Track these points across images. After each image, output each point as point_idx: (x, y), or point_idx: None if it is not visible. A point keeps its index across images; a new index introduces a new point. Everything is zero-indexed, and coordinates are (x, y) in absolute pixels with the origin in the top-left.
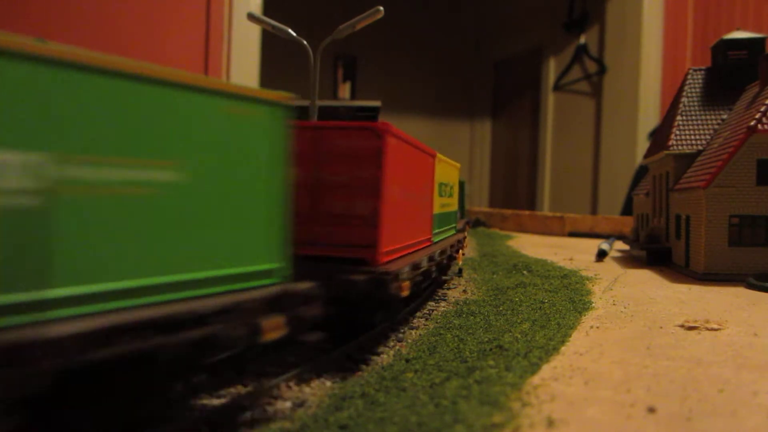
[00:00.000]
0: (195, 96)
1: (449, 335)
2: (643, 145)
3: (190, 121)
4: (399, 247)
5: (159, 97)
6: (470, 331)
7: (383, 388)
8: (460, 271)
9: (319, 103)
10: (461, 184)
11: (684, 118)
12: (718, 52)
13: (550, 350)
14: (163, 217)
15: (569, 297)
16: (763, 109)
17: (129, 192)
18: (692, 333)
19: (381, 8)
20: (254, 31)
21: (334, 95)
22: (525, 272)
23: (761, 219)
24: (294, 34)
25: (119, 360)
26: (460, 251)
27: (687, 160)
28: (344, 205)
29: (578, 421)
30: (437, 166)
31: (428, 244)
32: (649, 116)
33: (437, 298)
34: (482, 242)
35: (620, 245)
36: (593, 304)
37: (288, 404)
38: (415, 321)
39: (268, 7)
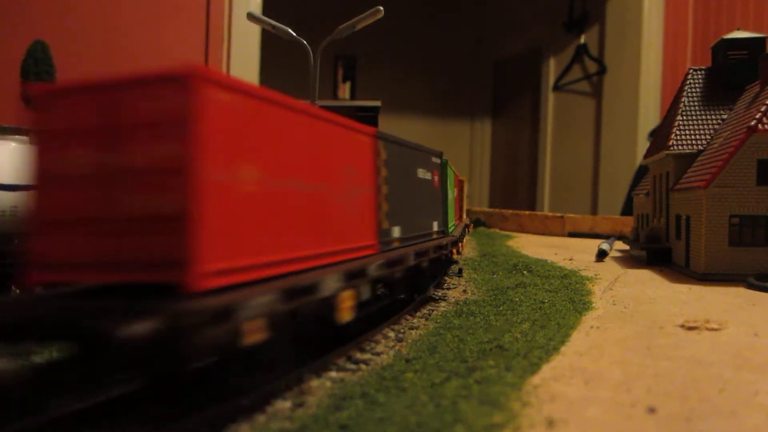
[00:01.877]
0: None
1: (449, 335)
2: (643, 145)
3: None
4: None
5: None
6: (470, 331)
7: (383, 388)
8: (460, 271)
9: (319, 103)
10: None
11: (684, 118)
12: (718, 52)
13: (550, 350)
14: None
15: (569, 297)
16: (763, 109)
17: None
18: (692, 333)
19: (381, 8)
20: (254, 31)
21: (334, 95)
22: (525, 272)
23: (761, 219)
24: (294, 34)
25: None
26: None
27: (687, 160)
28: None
29: (578, 421)
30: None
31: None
32: (649, 116)
33: (437, 297)
34: (482, 242)
35: (620, 245)
36: (593, 304)
37: (288, 404)
38: (415, 321)
39: (268, 7)
